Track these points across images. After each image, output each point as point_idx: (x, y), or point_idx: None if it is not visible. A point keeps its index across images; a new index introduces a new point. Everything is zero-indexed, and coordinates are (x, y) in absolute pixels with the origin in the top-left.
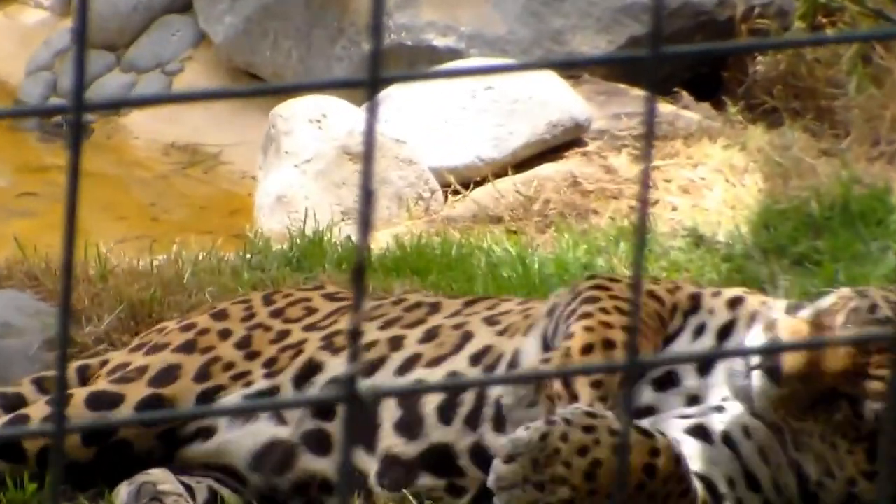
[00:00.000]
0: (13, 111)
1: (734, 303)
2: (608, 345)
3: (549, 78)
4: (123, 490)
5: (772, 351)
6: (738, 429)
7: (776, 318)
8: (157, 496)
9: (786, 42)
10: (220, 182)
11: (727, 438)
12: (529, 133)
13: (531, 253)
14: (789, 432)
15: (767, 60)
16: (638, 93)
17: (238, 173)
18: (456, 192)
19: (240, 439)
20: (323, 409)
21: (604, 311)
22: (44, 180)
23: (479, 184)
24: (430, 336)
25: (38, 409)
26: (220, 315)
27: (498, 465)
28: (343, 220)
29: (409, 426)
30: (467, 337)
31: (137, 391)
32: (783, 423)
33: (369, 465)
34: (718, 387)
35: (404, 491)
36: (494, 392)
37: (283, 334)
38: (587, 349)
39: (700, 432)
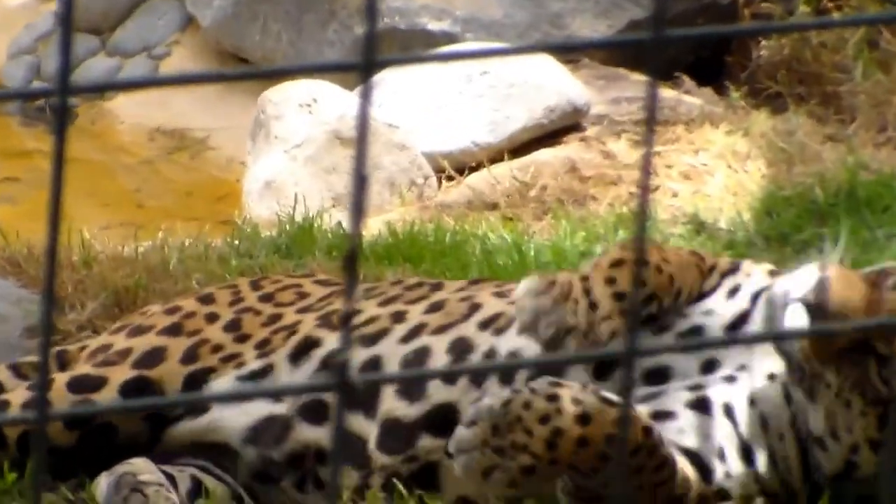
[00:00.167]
0: None
1: (773, 272)
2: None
3: (547, 62)
4: (103, 481)
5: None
6: (743, 399)
7: (829, 264)
8: (137, 486)
9: (790, 25)
10: (207, 168)
11: (728, 410)
12: (526, 118)
13: (527, 240)
14: (809, 377)
15: (771, 45)
16: (638, 77)
17: (225, 159)
18: (450, 178)
19: (233, 416)
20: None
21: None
22: (26, 166)
23: (474, 169)
24: (435, 308)
25: (18, 395)
26: (207, 299)
27: (459, 430)
28: (333, 206)
29: (411, 388)
30: (475, 307)
31: (121, 373)
32: (806, 363)
33: (368, 429)
34: (737, 356)
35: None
36: (503, 348)
37: (275, 317)
38: (617, 263)
39: (699, 405)
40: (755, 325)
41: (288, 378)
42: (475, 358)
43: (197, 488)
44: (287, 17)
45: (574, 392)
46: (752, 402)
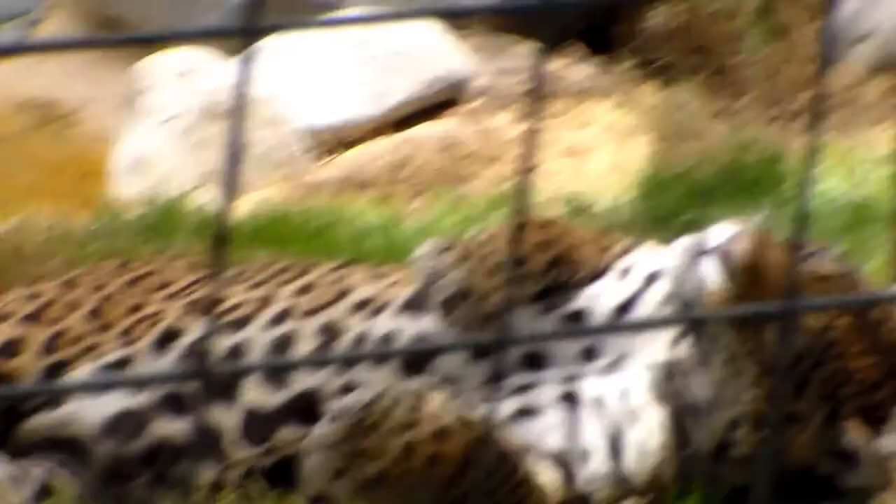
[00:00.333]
0: None
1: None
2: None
3: (432, 31)
4: None
5: None
6: (617, 392)
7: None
8: None
9: None
10: (77, 142)
11: (599, 404)
12: (408, 90)
13: (400, 222)
14: (706, 338)
15: (663, 13)
16: (527, 47)
17: (97, 132)
18: (328, 153)
19: (88, 409)
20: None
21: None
22: None
23: (352, 144)
24: (304, 290)
25: None
26: (69, 284)
27: (320, 425)
28: (205, 183)
29: (276, 375)
30: (347, 289)
31: None
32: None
33: (227, 420)
34: (618, 343)
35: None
36: (376, 331)
37: (139, 305)
38: (521, 227)
39: (570, 399)
40: (647, 307)
41: (150, 369)
42: (344, 343)
43: (45, 486)
44: None
45: (437, 406)
46: (626, 393)
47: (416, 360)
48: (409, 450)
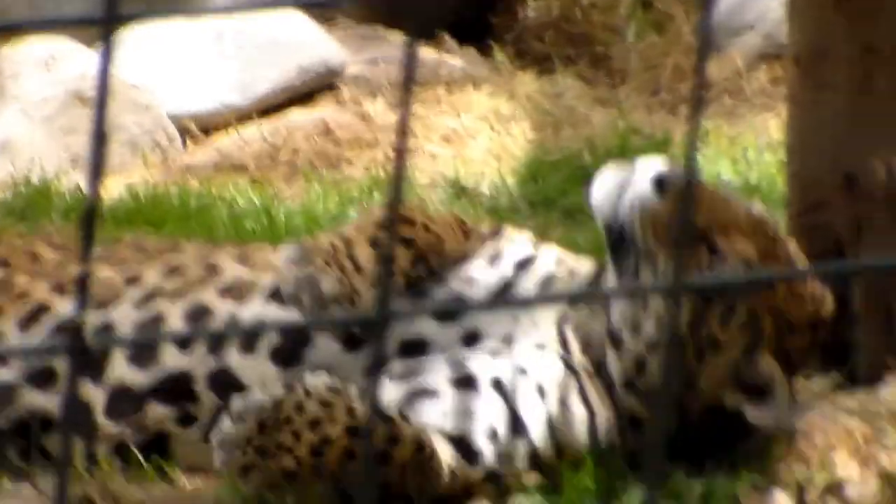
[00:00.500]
0: None
1: (536, 243)
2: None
3: (301, 20)
4: None
5: None
6: (512, 371)
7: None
8: None
9: None
10: None
11: (497, 384)
12: (278, 78)
13: (277, 204)
14: (638, 256)
15: (539, 5)
16: (397, 37)
17: None
18: (196, 141)
19: None
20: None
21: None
22: None
23: (219, 131)
24: (172, 271)
25: None
26: None
27: (224, 423)
28: (73, 168)
29: (143, 355)
30: (215, 272)
31: None
32: (642, 240)
33: (96, 396)
34: (500, 327)
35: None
36: (245, 315)
37: (6, 283)
38: (380, 224)
39: (465, 382)
40: (523, 291)
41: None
42: (213, 325)
43: None
44: None
45: (349, 401)
46: (524, 371)
47: (291, 349)
48: (323, 444)
